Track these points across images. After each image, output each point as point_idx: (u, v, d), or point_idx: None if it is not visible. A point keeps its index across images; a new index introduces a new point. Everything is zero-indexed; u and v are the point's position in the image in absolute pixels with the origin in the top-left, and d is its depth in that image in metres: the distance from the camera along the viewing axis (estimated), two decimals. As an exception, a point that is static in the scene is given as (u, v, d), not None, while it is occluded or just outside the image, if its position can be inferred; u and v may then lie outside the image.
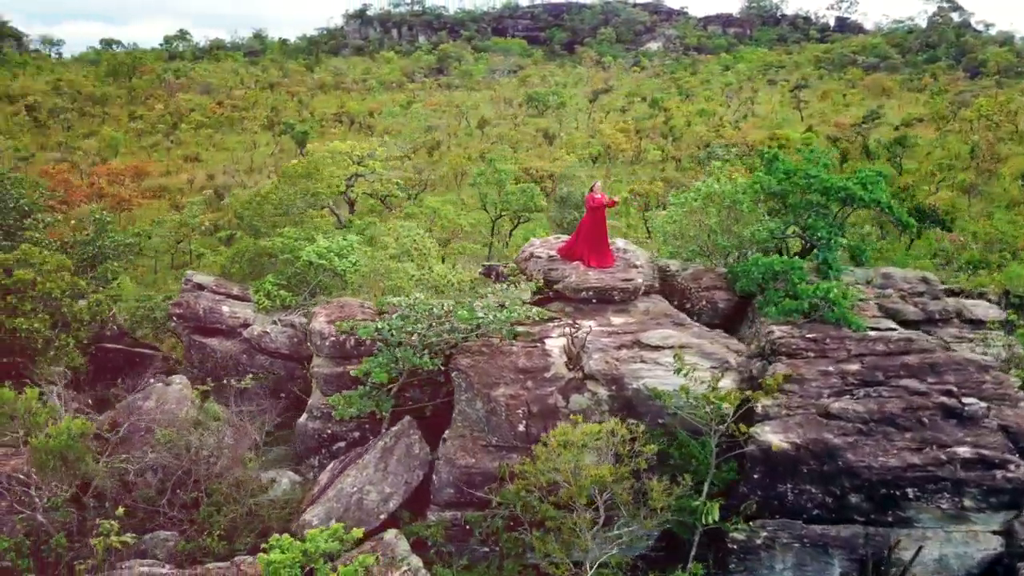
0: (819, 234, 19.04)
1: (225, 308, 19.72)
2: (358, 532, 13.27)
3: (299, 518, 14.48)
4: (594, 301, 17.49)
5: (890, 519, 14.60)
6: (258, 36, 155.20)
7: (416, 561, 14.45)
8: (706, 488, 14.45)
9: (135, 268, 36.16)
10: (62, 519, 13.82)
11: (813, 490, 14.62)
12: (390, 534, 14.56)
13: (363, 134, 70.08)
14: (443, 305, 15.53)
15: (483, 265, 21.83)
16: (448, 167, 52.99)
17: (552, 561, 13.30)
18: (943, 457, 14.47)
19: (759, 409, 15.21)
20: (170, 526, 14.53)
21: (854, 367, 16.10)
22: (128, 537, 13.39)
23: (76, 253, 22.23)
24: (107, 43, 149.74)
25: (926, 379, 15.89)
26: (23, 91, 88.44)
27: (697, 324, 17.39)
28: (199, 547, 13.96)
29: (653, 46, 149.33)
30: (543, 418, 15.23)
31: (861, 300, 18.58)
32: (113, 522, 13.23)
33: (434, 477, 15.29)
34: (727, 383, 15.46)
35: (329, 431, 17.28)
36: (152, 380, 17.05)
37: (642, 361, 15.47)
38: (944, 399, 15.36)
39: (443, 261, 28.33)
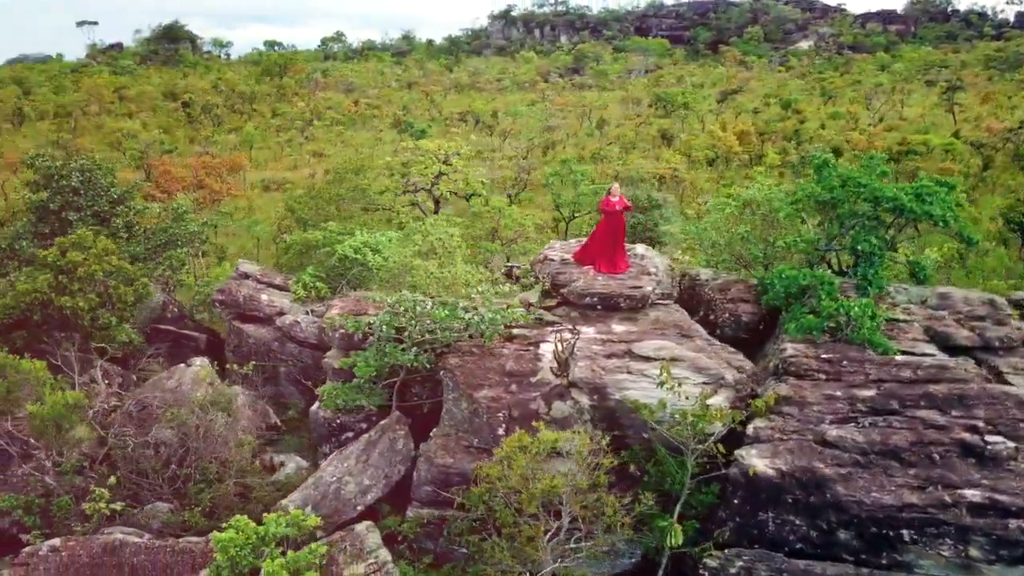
0: (860, 247, 17.68)
1: (264, 296, 20.76)
2: (315, 520, 13.68)
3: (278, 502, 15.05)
4: (599, 308, 17.04)
5: (885, 561, 13.36)
6: (406, 37, 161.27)
7: (384, 555, 14.62)
8: (677, 509, 13.81)
9: (244, 254, 38.54)
10: (70, 483, 15.04)
11: (797, 522, 13.62)
12: (361, 526, 14.82)
13: (483, 133, 71.37)
14: (427, 304, 15.66)
15: (505, 266, 21.79)
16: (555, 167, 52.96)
17: (501, 568, 13.13)
18: (947, 499, 13.10)
19: (750, 431, 14.37)
20: (168, 499, 15.49)
21: (868, 393, 14.86)
22: (118, 505, 14.43)
23: (153, 240, 24.07)
24: (270, 44, 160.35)
25: (949, 412, 14.45)
26: (186, 89, 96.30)
27: (706, 337, 16.58)
28: (183, 521, 14.80)
29: (804, 45, 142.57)
30: (524, 423, 14.99)
31: (903, 321, 17.13)
32: (104, 490, 14.30)
33: (415, 474, 15.45)
34: (718, 400, 14.68)
35: (339, 421, 17.72)
36: (157, 359, 18.20)
37: (628, 372, 14.95)
38: (965, 435, 13.91)
39: (509, 260, 28.43)
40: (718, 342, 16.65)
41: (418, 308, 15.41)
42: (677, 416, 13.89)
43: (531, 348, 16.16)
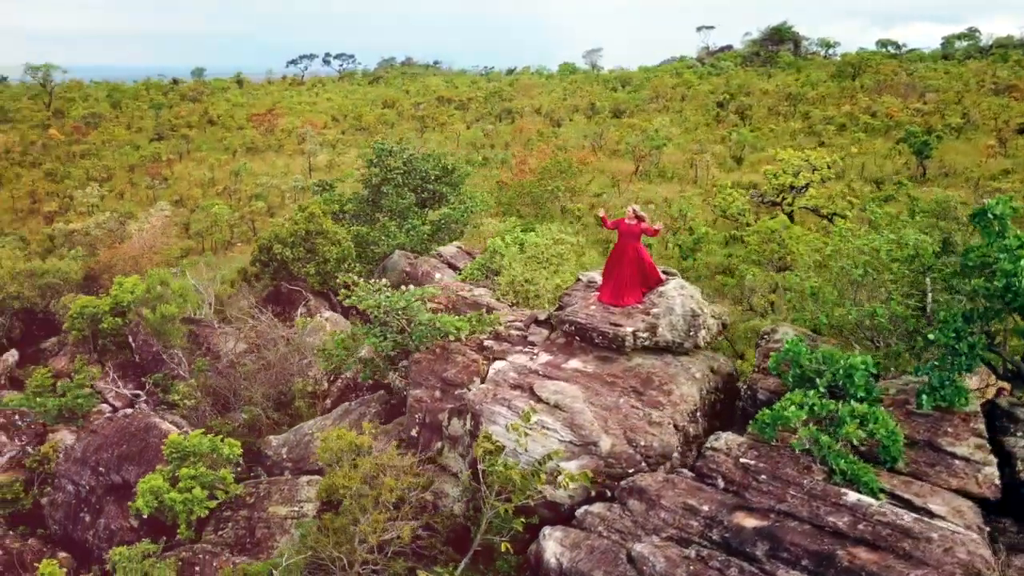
0: (933, 336, 11.97)
1: (437, 275, 23.08)
2: (235, 450, 16.24)
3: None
4: (577, 338, 15.06)
5: None
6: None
7: (309, 508, 16.42)
8: (461, 565, 12.40)
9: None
10: (195, 376, 20.22)
11: (554, 633, 11.02)
12: (304, 478, 16.75)
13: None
14: (400, 297, 16.16)
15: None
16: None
17: (308, 544, 13.83)
18: None
19: (579, 513, 11.94)
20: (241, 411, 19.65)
21: (749, 523, 10.76)
22: (191, 400, 19.07)
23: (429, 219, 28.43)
24: (882, 44, 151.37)
25: (833, 589, 9.68)
26: (745, 90, 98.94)
27: (665, 402, 13.40)
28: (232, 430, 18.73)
29: None
30: (431, 430, 14.92)
31: (960, 458, 11.33)
32: (183, 386, 19.10)
33: (364, 449, 16.57)
34: (571, 466, 12.37)
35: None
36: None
37: (508, 407, 13.44)
38: (813, 628, 9.31)
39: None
40: (675, 410, 13.43)
41: (390, 299, 16.15)
42: (507, 466, 12.37)
43: (488, 362, 15.53)
